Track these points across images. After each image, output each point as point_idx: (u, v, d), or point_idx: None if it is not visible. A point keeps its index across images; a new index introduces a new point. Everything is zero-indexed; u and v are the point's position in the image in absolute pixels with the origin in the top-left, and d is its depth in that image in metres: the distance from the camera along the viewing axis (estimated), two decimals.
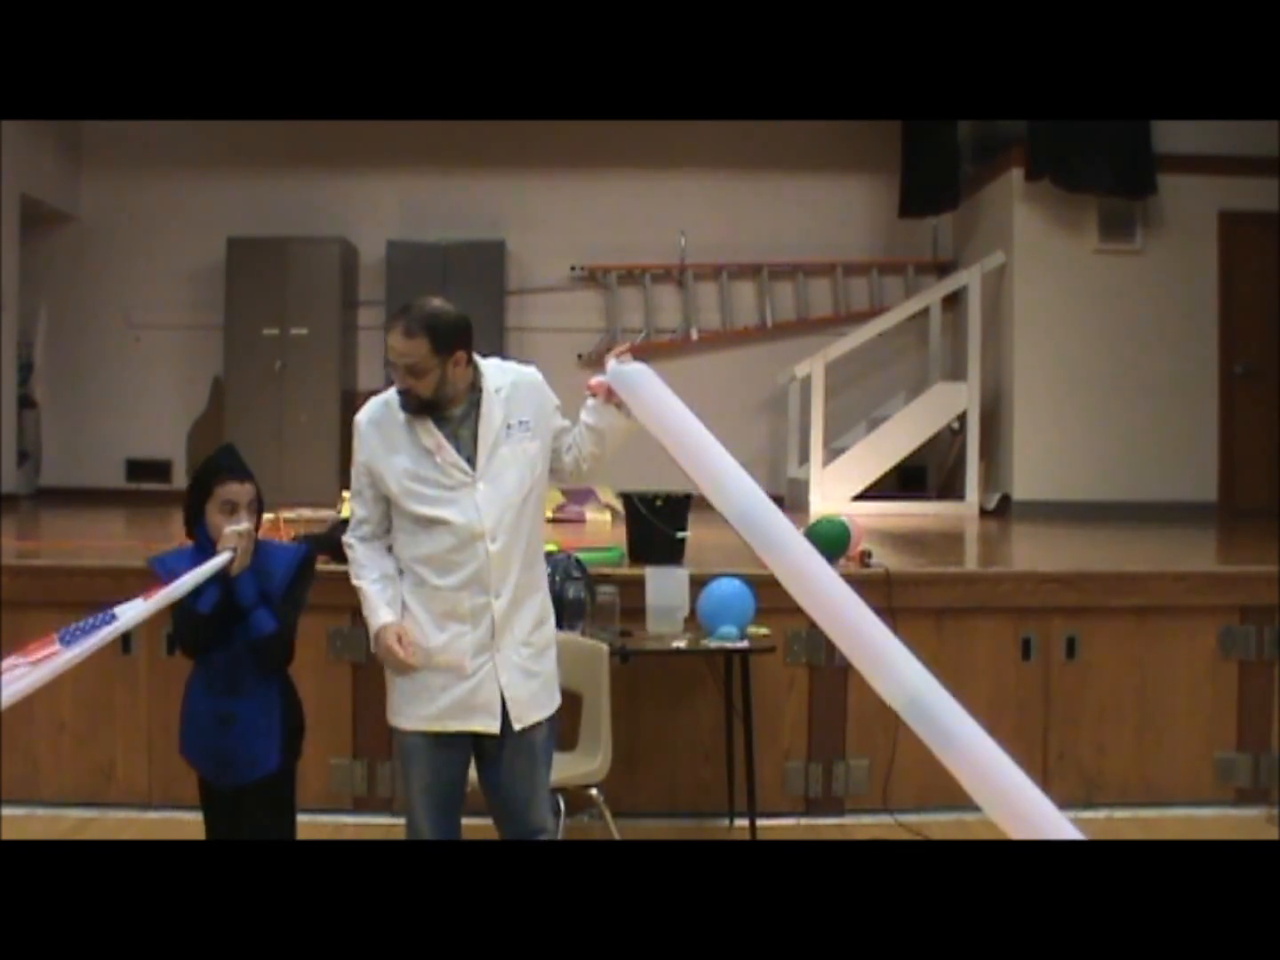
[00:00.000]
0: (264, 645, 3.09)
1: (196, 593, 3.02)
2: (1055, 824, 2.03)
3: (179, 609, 3.04)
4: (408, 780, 3.15)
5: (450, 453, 3.04)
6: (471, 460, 3.05)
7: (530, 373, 3.19)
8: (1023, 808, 2.18)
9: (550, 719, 3.18)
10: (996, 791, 2.23)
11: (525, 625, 3.11)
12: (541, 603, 3.18)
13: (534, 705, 3.11)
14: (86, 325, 10.10)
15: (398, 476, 3.05)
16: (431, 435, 3.04)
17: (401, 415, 3.06)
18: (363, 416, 3.15)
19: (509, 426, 3.07)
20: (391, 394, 3.11)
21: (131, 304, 10.11)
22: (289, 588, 3.16)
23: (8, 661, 2.70)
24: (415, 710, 3.09)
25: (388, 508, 3.12)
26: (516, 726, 3.08)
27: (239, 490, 3.13)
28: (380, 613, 3.08)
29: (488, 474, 3.05)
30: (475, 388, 3.09)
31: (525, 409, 3.10)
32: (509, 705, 3.07)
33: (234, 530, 3.06)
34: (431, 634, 3.07)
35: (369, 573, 3.13)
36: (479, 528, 3.02)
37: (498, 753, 3.12)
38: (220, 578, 3.05)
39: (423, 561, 3.07)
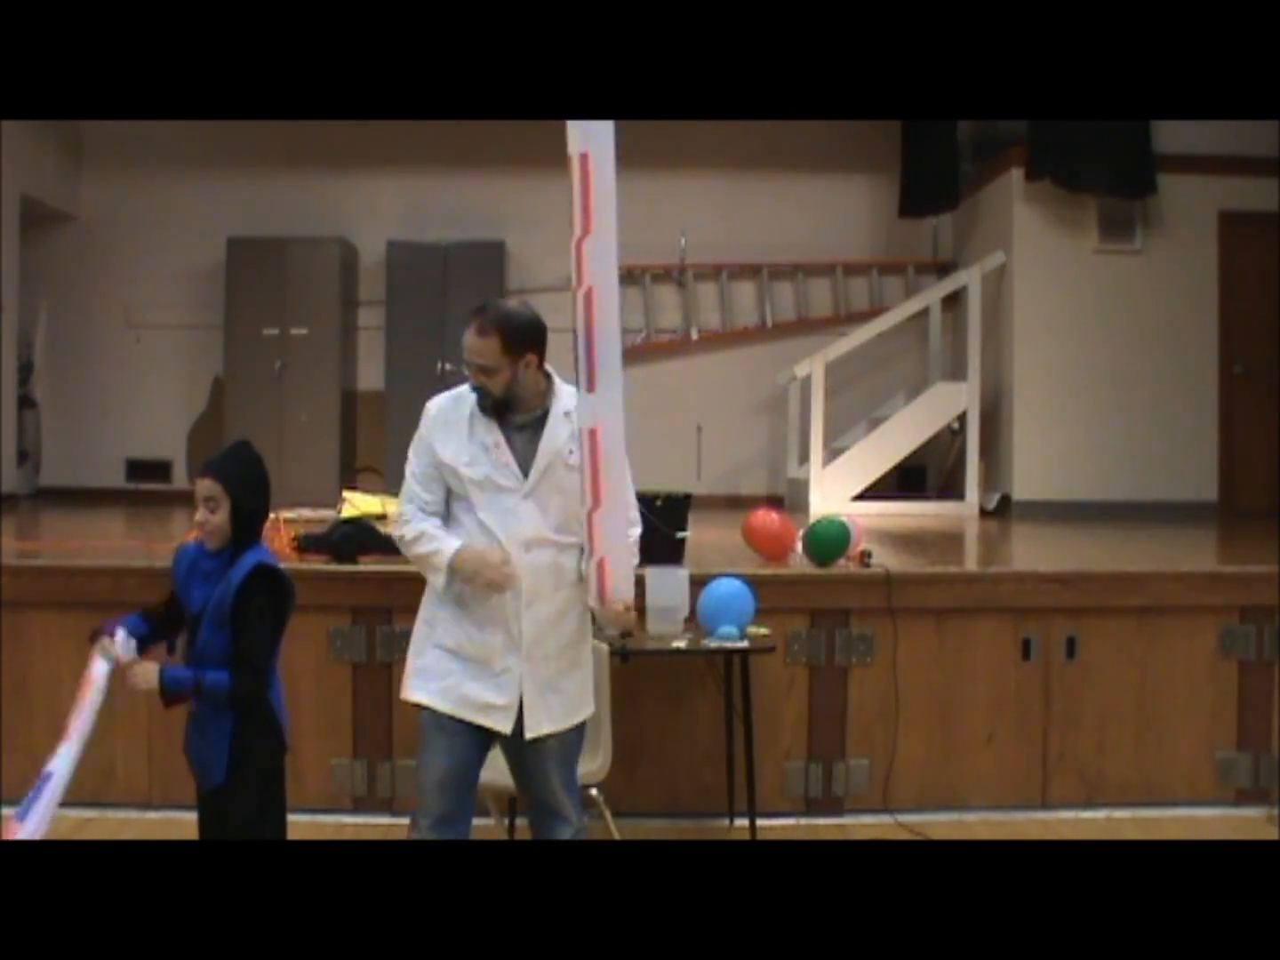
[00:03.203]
0: (216, 699, 3.04)
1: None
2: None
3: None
4: (424, 757, 3.15)
5: (506, 453, 3.07)
6: (525, 471, 3.08)
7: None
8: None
9: (567, 730, 3.18)
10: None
11: (559, 640, 3.13)
12: (579, 624, 3.19)
13: (550, 718, 3.12)
14: (86, 325, 10.10)
15: (452, 469, 3.09)
16: (492, 433, 3.08)
17: (468, 411, 3.10)
18: (432, 405, 3.19)
19: (570, 452, 3.07)
20: (464, 389, 3.15)
21: (131, 304, 10.10)
22: (236, 603, 3.04)
23: None
24: (436, 686, 3.12)
25: (445, 495, 3.15)
26: (528, 735, 3.11)
27: (198, 484, 3.09)
28: (449, 542, 3.08)
29: (537, 490, 3.09)
30: (546, 403, 3.13)
31: (576, 442, 3.08)
32: (525, 713, 3.09)
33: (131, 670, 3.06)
34: (465, 628, 3.11)
35: (425, 523, 3.12)
36: (515, 535, 3.06)
37: (511, 752, 3.19)
38: (205, 588, 3.09)
39: None
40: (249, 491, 3.11)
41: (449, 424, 3.12)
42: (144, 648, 3.15)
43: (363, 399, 10.09)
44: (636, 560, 3.19)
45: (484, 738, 3.15)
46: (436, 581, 3.12)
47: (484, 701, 3.10)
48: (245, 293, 9.64)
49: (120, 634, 3.10)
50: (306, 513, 6.55)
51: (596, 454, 2.92)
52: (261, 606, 3.07)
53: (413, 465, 3.17)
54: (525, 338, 3.06)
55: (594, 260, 2.93)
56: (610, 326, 2.96)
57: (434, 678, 3.14)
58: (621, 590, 3.04)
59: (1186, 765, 5.04)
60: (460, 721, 3.11)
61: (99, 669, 3.06)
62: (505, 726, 3.11)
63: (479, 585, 3.07)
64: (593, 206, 2.89)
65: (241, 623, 3.04)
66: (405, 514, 3.16)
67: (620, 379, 2.95)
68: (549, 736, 3.13)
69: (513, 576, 3.05)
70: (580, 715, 3.22)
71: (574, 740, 3.24)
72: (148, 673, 3.03)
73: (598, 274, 2.94)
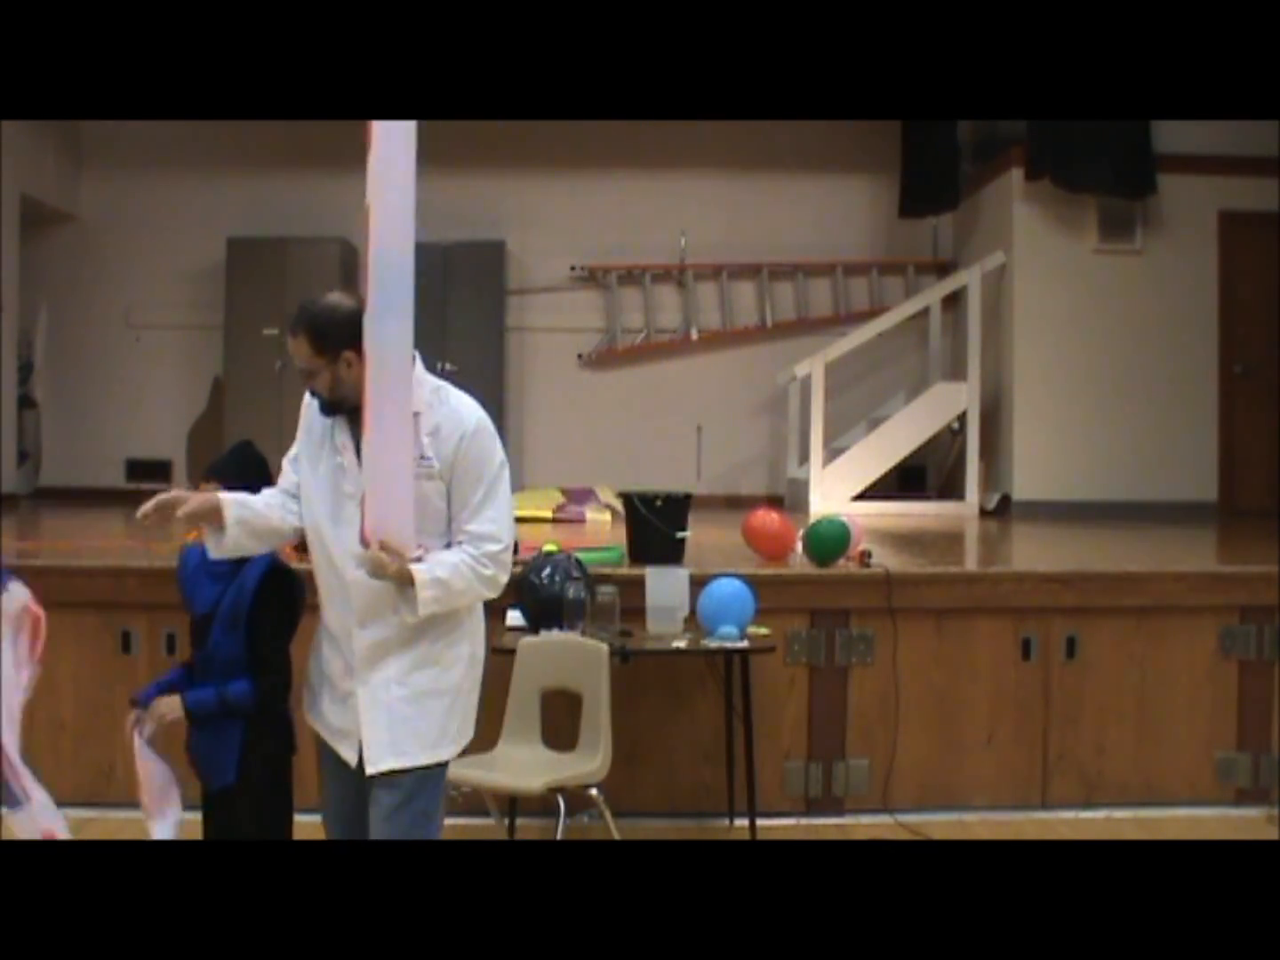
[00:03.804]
0: (243, 708, 3.04)
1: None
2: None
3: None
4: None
5: (351, 456, 2.82)
6: None
7: (463, 416, 2.83)
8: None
9: (420, 774, 2.82)
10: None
11: (403, 665, 2.82)
12: (439, 646, 2.85)
13: (393, 751, 2.80)
14: (86, 325, 10.10)
15: (303, 463, 2.92)
16: (341, 434, 2.84)
17: None
18: (307, 395, 2.92)
19: (424, 458, 2.77)
20: None
21: (131, 304, 10.11)
22: (254, 604, 3.05)
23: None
24: (310, 710, 2.99)
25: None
26: (369, 769, 2.81)
27: (204, 489, 3.05)
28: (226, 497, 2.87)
29: None
30: None
31: (439, 448, 2.79)
32: (364, 745, 2.82)
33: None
34: (320, 644, 2.94)
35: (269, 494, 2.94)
36: (349, 546, 2.78)
37: (370, 790, 2.87)
38: (214, 591, 3.08)
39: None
40: (254, 492, 3.10)
41: (316, 419, 2.90)
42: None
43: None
44: (464, 601, 2.84)
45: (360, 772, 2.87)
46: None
47: (334, 726, 2.91)
48: (245, 293, 9.64)
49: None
50: None
51: (369, 382, 2.71)
52: (278, 608, 3.09)
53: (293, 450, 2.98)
54: (338, 335, 2.76)
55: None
56: (395, 251, 2.77)
57: (310, 693, 2.99)
58: (382, 529, 2.71)
59: (1186, 765, 5.04)
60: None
61: (140, 745, 3.06)
62: (350, 756, 2.86)
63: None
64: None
65: (259, 625, 3.06)
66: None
67: (406, 315, 2.75)
68: (395, 776, 2.80)
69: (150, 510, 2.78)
70: (439, 755, 2.85)
71: (425, 785, 2.84)
72: (171, 704, 3.03)
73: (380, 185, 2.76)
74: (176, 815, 3.09)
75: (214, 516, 2.83)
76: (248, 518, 2.86)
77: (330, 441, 2.87)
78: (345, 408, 2.82)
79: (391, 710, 2.81)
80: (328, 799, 3.00)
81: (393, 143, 2.72)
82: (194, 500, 2.83)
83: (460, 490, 2.80)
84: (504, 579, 2.85)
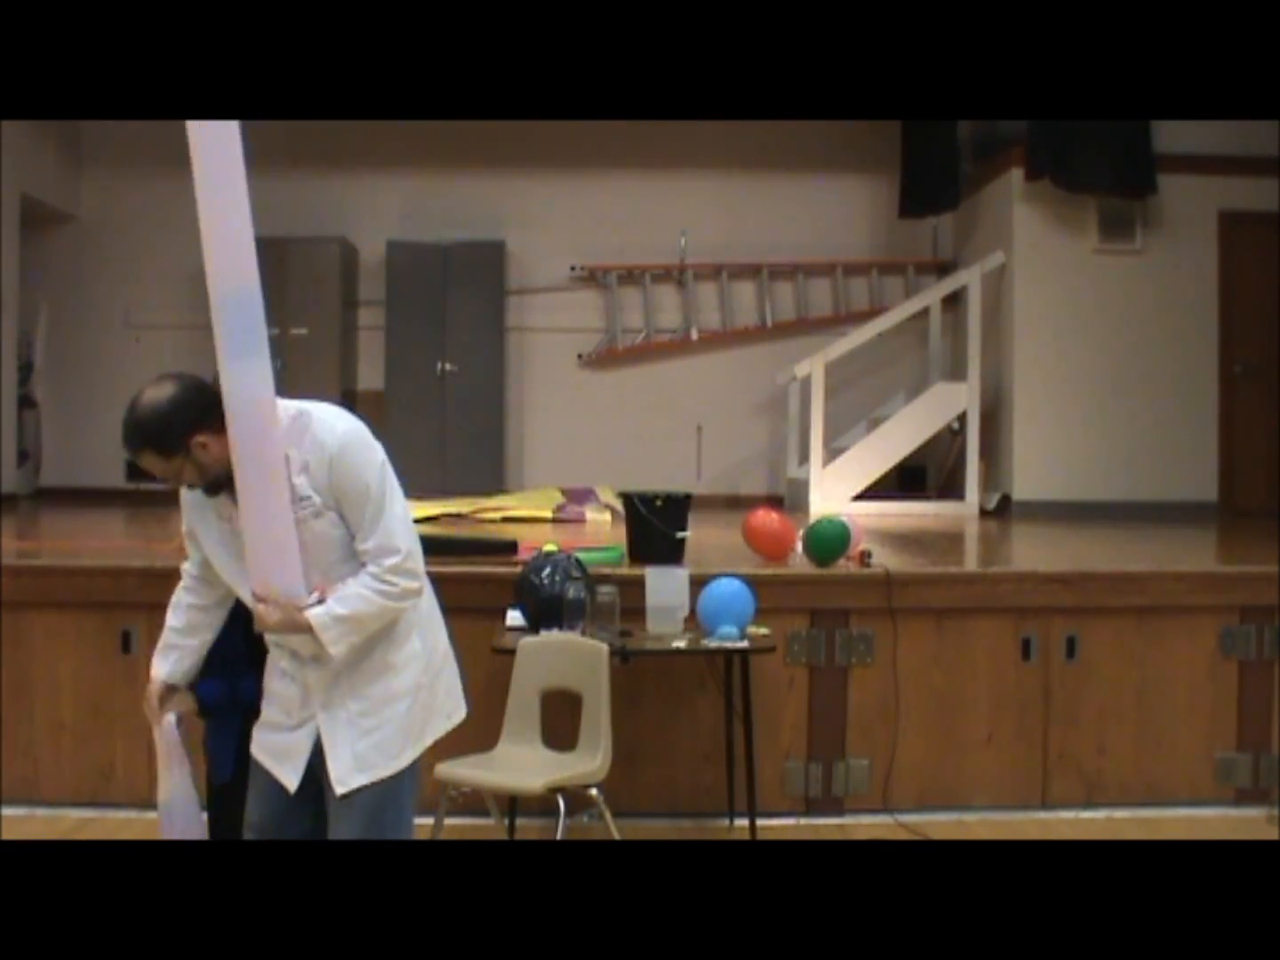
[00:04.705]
0: (247, 704, 3.01)
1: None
2: None
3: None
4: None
5: (239, 519, 2.75)
6: None
7: (324, 439, 2.76)
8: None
9: (388, 780, 2.80)
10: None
11: (355, 681, 2.80)
12: (386, 655, 2.82)
13: (361, 767, 2.77)
14: (86, 325, 10.10)
15: (203, 543, 2.88)
16: (226, 504, 2.78)
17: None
18: (183, 493, 2.87)
19: (303, 498, 2.71)
20: None
21: (131, 304, 10.11)
22: None
23: None
24: (255, 735, 2.92)
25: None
26: (338, 789, 2.76)
27: None
28: (155, 662, 2.97)
29: None
30: None
31: (315, 482, 2.72)
32: (329, 765, 2.77)
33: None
34: (270, 679, 2.91)
35: (172, 616, 2.99)
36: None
37: (330, 810, 2.82)
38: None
39: None
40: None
41: (198, 506, 2.85)
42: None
43: (363, 399, 10.09)
44: (379, 624, 2.78)
45: (308, 798, 2.83)
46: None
47: (278, 750, 2.85)
48: None
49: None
50: None
51: (234, 437, 2.66)
52: None
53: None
54: (175, 430, 2.65)
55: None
56: (241, 289, 2.74)
57: (259, 725, 2.93)
58: (268, 582, 2.70)
59: (1186, 765, 5.04)
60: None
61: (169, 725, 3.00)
62: (292, 780, 2.81)
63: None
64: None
65: None
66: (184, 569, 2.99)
67: (262, 352, 2.68)
68: (363, 790, 2.77)
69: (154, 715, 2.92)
70: (402, 761, 2.82)
71: (391, 797, 2.81)
72: (183, 699, 3.01)
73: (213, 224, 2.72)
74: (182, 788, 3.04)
75: (172, 693, 2.95)
76: (184, 661, 2.97)
77: (216, 515, 2.82)
78: (222, 483, 2.74)
79: (353, 725, 2.78)
80: (257, 816, 2.89)
81: (214, 153, 2.64)
82: (152, 700, 2.94)
83: (351, 513, 2.73)
84: (415, 585, 2.78)
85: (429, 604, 2.96)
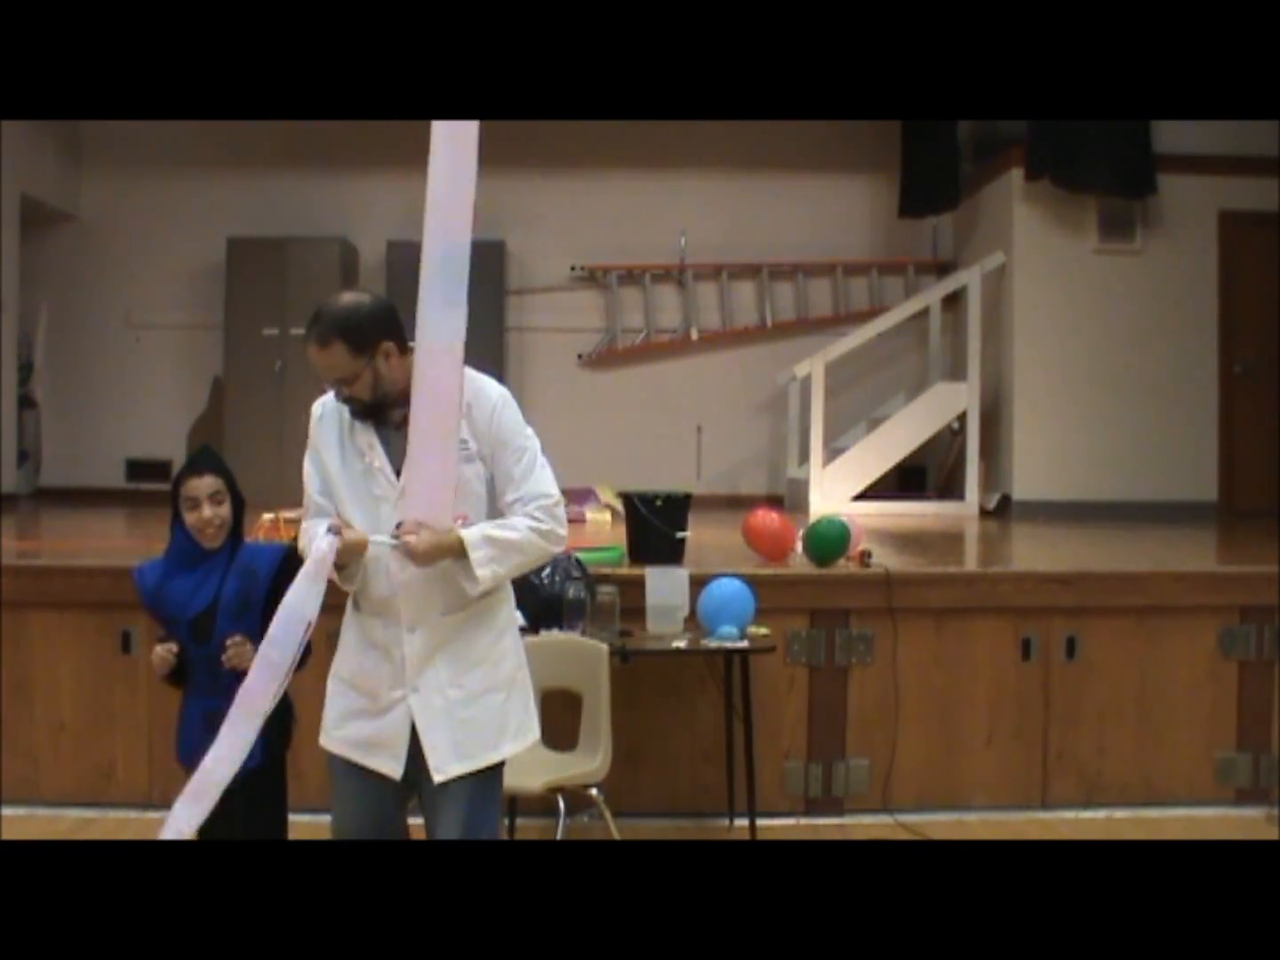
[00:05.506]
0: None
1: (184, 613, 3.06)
2: None
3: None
4: (332, 809, 2.89)
5: (380, 457, 2.77)
6: (399, 474, 2.75)
7: (488, 391, 2.84)
8: None
9: (485, 771, 2.80)
10: None
11: (454, 666, 2.77)
12: (486, 643, 2.82)
13: (458, 755, 2.75)
14: (86, 325, 10.10)
15: (330, 475, 2.82)
16: (367, 434, 2.78)
17: (349, 412, 2.80)
18: (317, 407, 2.88)
19: (464, 443, 2.75)
20: None
21: (131, 304, 10.11)
22: (272, 588, 3.04)
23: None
24: (333, 731, 2.86)
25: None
26: (437, 778, 2.74)
27: (196, 484, 3.07)
28: (319, 529, 2.73)
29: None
30: None
31: (474, 427, 2.78)
32: (426, 753, 2.75)
33: (157, 651, 3.04)
34: (354, 659, 2.87)
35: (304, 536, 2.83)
36: (386, 551, 2.71)
37: (426, 800, 2.81)
38: (210, 585, 3.08)
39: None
40: (236, 483, 3.16)
41: (330, 428, 2.83)
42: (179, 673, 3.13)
43: None
44: (525, 558, 2.78)
45: (399, 788, 2.81)
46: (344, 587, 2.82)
47: (371, 741, 2.80)
48: (245, 293, 9.64)
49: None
50: None
51: (421, 370, 2.71)
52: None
53: (307, 471, 2.87)
54: (371, 329, 2.72)
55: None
56: (455, 248, 2.91)
57: (330, 713, 2.89)
58: (419, 513, 2.66)
59: (1186, 765, 5.04)
60: (360, 765, 2.81)
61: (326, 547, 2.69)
62: (395, 769, 2.77)
63: (346, 580, 2.78)
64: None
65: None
66: (306, 528, 2.86)
67: (459, 303, 2.78)
68: (461, 780, 2.75)
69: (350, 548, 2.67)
70: (500, 752, 2.82)
71: (488, 789, 2.82)
72: (244, 653, 2.94)
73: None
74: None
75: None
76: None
77: (352, 447, 2.81)
78: (387, 404, 2.76)
79: (450, 714, 2.76)
80: (349, 820, 2.85)
81: (455, 140, 2.82)
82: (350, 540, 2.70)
83: (502, 464, 2.79)
84: (562, 532, 2.81)
85: (516, 617, 3.00)
